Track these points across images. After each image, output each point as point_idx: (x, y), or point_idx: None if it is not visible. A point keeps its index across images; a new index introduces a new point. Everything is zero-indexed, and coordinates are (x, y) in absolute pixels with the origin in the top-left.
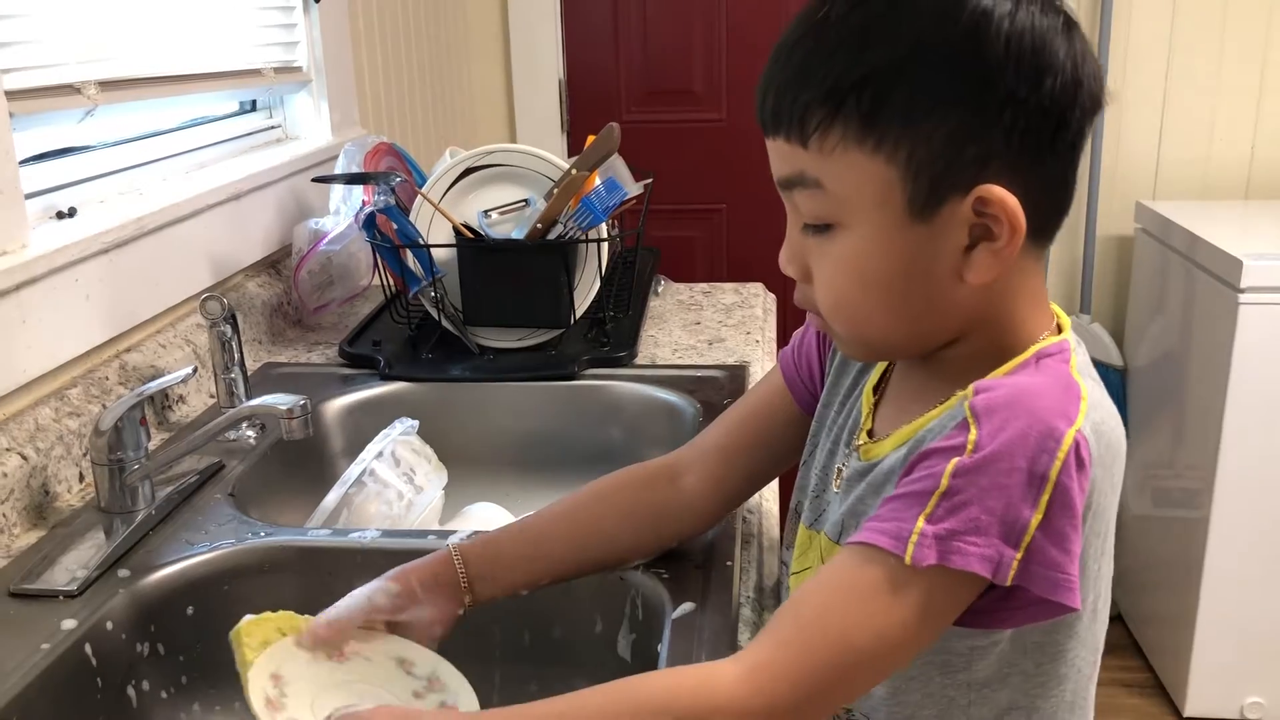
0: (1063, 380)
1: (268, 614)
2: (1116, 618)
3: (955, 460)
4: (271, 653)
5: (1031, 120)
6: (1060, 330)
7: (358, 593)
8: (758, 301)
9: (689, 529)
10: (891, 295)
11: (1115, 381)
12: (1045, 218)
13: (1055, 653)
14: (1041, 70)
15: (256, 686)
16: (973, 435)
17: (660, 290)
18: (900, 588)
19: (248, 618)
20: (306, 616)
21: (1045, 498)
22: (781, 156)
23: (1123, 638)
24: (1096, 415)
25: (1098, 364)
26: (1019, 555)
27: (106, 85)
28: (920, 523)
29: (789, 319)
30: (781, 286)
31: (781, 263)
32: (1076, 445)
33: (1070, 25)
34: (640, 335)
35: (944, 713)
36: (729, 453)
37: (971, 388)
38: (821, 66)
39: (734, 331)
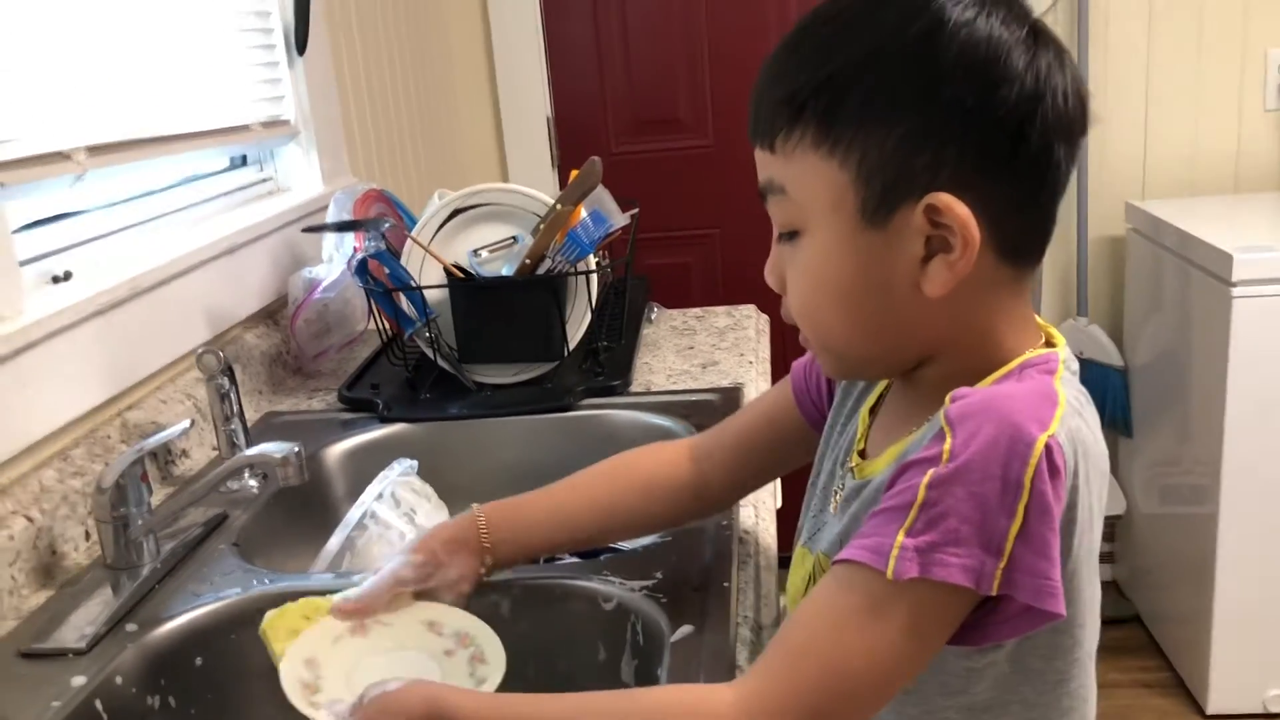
0: (1041, 387)
1: (288, 605)
2: (1134, 618)
3: (931, 471)
4: (300, 641)
5: (985, 131)
6: (1052, 346)
7: (383, 569)
8: (750, 323)
9: (703, 509)
10: (850, 304)
11: (1117, 382)
12: (1014, 237)
13: (1056, 680)
14: (994, 80)
15: (290, 676)
16: (947, 444)
17: (653, 317)
18: (885, 605)
19: (270, 613)
20: (328, 597)
21: (1022, 505)
22: (760, 164)
23: (1141, 638)
24: (1074, 423)
25: (1098, 365)
26: (1001, 564)
27: (95, 150)
28: (900, 536)
29: (788, 341)
30: (775, 308)
31: (765, 274)
32: (1049, 450)
33: (1038, 39)
34: (634, 363)
35: None
36: (742, 450)
37: (949, 397)
38: (791, 73)
39: (727, 354)
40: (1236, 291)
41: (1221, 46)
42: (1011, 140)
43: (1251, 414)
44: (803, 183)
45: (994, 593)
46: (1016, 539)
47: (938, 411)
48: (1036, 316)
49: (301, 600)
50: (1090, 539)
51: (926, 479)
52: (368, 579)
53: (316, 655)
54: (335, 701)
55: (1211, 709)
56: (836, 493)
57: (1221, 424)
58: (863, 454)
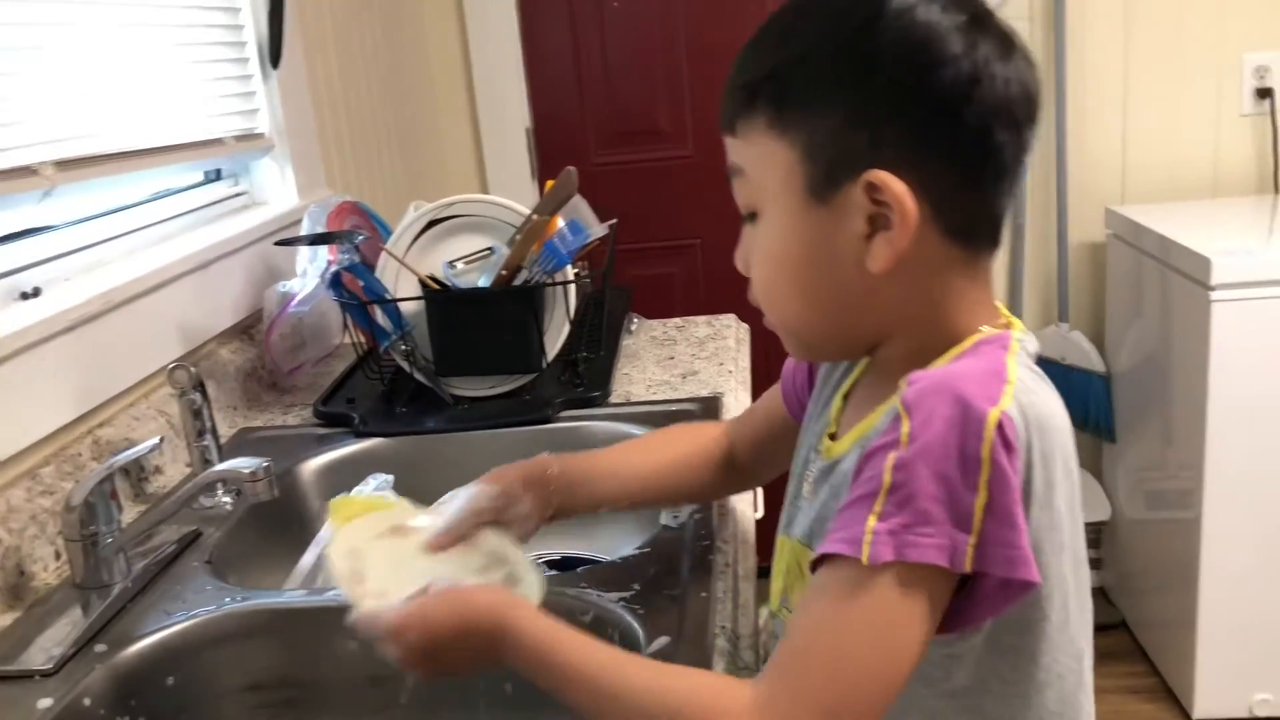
0: (991, 365)
1: (357, 495)
2: (1120, 624)
3: (893, 455)
4: (344, 533)
5: (923, 111)
6: (1009, 328)
7: (461, 499)
8: (730, 333)
9: (739, 485)
10: (801, 280)
11: (1099, 387)
12: (959, 218)
13: (1029, 656)
14: (931, 63)
15: (340, 567)
16: (905, 428)
17: (634, 328)
18: (869, 591)
19: (340, 495)
20: (392, 500)
21: (984, 480)
22: (728, 151)
23: (1128, 644)
24: (1026, 400)
25: (1081, 371)
26: (972, 540)
27: (64, 165)
28: (872, 521)
29: (769, 350)
30: (755, 317)
31: (735, 260)
32: (1001, 426)
33: (980, 26)
34: (614, 374)
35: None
36: (758, 438)
37: (905, 380)
38: (750, 62)
39: (707, 364)
40: (1216, 295)
41: (1198, 52)
42: (949, 121)
43: (1233, 417)
44: (758, 163)
45: (968, 569)
46: (984, 513)
47: (894, 392)
48: (999, 305)
49: (369, 495)
50: (1051, 514)
51: (890, 462)
52: (447, 509)
53: (359, 546)
54: (383, 593)
55: (1198, 714)
56: (808, 477)
57: (1203, 427)
58: (833, 436)
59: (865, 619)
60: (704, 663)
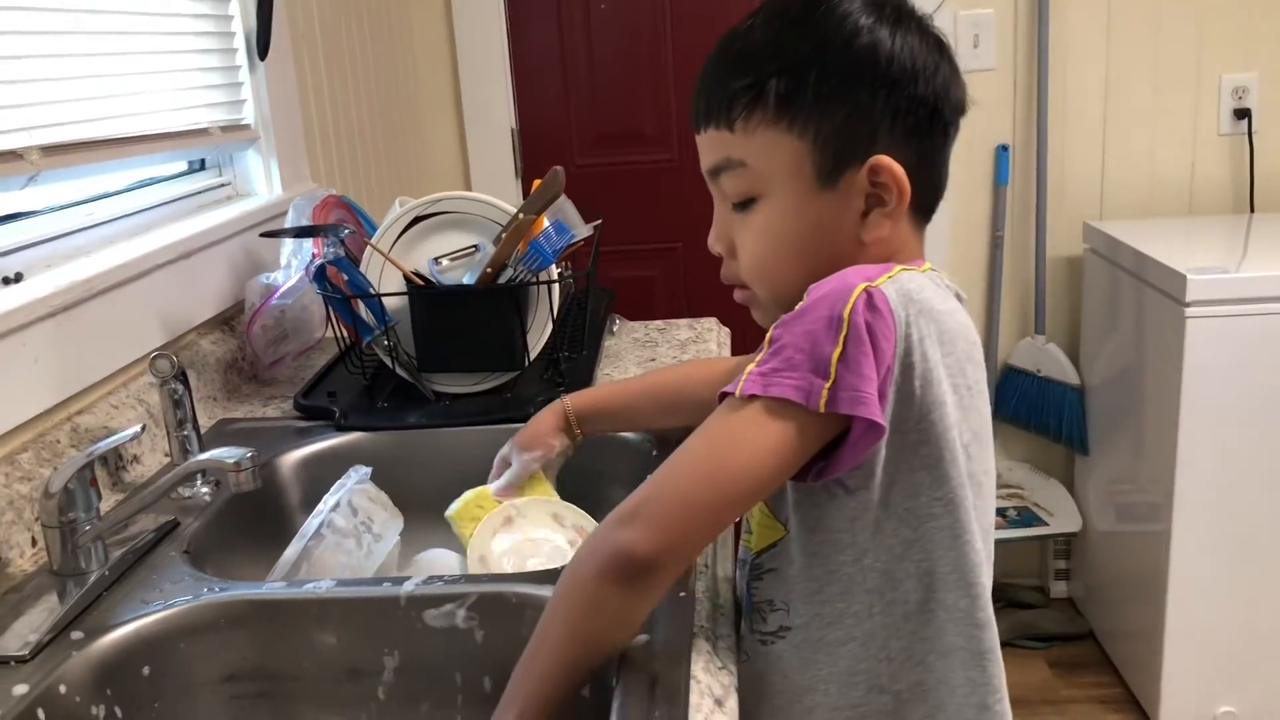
0: (883, 268)
1: (466, 495)
2: (1089, 635)
3: (780, 319)
4: (471, 544)
5: (911, 107)
6: None
7: (513, 466)
8: (712, 336)
9: None
10: (802, 253)
11: (1073, 400)
12: (924, 193)
13: (926, 515)
14: (917, 72)
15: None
16: (800, 304)
17: (615, 329)
18: (734, 412)
19: (454, 504)
20: (489, 486)
21: (842, 335)
22: (711, 146)
23: (1096, 654)
24: (910, 286)
25: (1055, 383)
26: (827, 384)
27: (49, 150)
28: (750, 367)
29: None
30: (736, 320)
31: (710, 243)
32: (868, 293)
33: (941, 47)
34: (596, 374)
35: (846, 590)
36: None
37: None
38: (747, 62)
39: None
40: (1190, 311)
41: (1176, 73)
42: (929, 118)
43: (1204, 432)
44: (764, 154)
45: (822, 409)
46: (838, 362)
47: None
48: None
49: (474, 492)
50: (937, 391)
51: (775, 326)
52: (509, 469)
53: (485, 554)
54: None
55: None
56: None
57: (1174, 442)
58: None
59: (720, 430)
60: (683, 662)
